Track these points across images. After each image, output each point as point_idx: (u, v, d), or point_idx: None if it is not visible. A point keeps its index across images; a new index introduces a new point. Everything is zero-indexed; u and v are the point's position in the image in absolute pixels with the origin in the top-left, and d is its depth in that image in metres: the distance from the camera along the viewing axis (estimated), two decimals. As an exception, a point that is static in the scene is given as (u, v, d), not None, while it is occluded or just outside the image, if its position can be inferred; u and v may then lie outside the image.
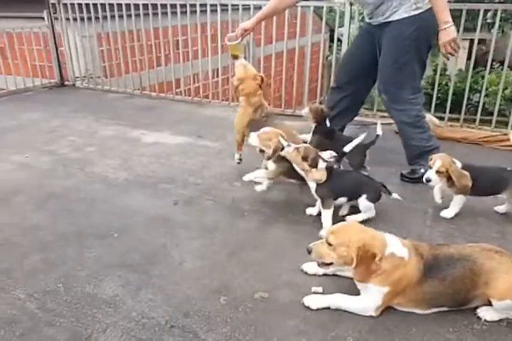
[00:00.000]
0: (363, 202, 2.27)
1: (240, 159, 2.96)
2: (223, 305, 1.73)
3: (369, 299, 1.66)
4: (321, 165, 2.23)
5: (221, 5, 4.47)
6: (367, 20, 2.81)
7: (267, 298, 1.77)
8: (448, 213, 2.37)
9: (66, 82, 5.57)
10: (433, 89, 7.39)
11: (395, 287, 1.63)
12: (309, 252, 1.65)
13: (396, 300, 1.67)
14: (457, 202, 2.36)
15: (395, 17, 2.59)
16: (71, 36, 5.35)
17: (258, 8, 4.28)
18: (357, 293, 1.72)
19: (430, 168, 2.27)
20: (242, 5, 4.42)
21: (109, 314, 1.69)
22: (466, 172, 2.23)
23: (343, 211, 2.39)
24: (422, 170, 2.67)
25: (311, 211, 2.40)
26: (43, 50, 5.44)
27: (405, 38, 2.60)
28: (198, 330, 1.61)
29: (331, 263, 1.66)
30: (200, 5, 4.57)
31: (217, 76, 4.94)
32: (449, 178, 2.24)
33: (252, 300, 1.76)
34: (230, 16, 4.52)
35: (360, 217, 2.28)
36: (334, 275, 1.88)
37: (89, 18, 5.09)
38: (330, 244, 1.61)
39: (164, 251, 2.09)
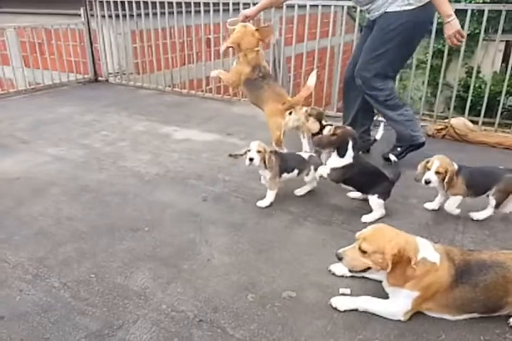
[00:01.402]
0: (372, 199, 2.34)
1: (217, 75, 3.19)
2: (251, 302, 1.75)
3: (398, 303, 1.65)
4: (350, 153, 2.30)
5: (254, 4, 4.47)
6: (367, 15, 2.96)
7: (295, 297, 1.78)
8: (452, 210, 2.33)
9: (99, 78, 5.71)
10: (465, 91, 7.27)
11: (425, 292, 1.61)
12: (339, 259, 1.64)
13: (426, 305, 1.65)
14: (452, 203, 2.32)
15: (387, 10, 2.75)
16: (106, 33, 5.47)
17: (291, 6, 4.30)
18: (385, 296, 1.71)
19: (428, 169, 2.24)
20: (275, 4, 4.42)
21: (139, 305, 1.72)
22: (454, 176, 2.24)
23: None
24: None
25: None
26: (78, 46, 5.58)
27: (391, 30, 2.75)
28: (225, 326, 1.63)
29: (365, 270, 1.65)
30: (233, 3, 4.59)
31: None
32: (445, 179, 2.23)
33: (280, 299, 1.76)
34: (263, 15, 4.52)
35: (371, 216, 2.33)
36: (362, 277, 1.87)
37: (124, 16, 5.19)
38: (364, 252, 1.59)
39: (193, 246, 2.12)
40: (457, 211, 2.34)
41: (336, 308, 1.70)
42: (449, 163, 2.24)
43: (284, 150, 2.97)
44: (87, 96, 4.98)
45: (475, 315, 1.66)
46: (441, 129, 3.67)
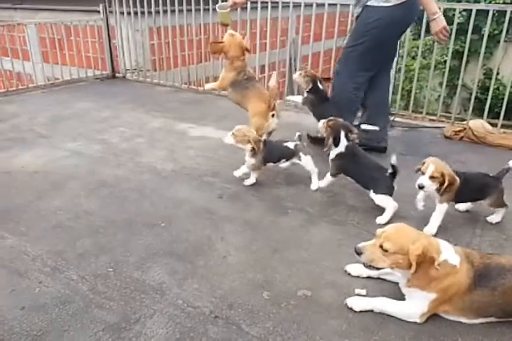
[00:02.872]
0: (374, 196, 2.36)
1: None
2: (266, 300, 1.76)
3: (415, 305, 1.64)
4: (343, 143, 2.45)
5: (272, 2, 4.48)
6: (354, 10, 3.11)
7: (310, 296, 1.78)
8: (430, 229, 2.17)
9: (117, 74, 5.75)
10: (483, 93, 7.16)
11: (442, 294, 1.60)
12: (358, 253, 1.63)
13: (442, 308, 1.64)
14: (439, 212, 2.19)
15: (367, 3, 2.91)
16: (124, 30, 5.51)
17: (309, 5, 4.29)
18: (400, 297, 1.70)
19: (423, 173, 2.13)
20: (293, 2, 4.42)
21: (156, 300, 1.74)
22: (457, 178, 2.11)
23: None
24: None
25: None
26: (96, 42, 5.64)
27: (368, 23, 2.92)
28: (241, 323, 1.64)
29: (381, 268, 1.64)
30: (252, 2, 4.59)
31: (264, 72, 4.97)
32: (441, 183, 2.10)
33: (295, 298, 1.77)
34: (281, 14, 4.52)
35: (385, 216, 2.31)
36: (378, 278, 1.87)
37: (142, 13, 5.23)
38: (385, 250, 1.57)
39: (209, 242, 2.13)
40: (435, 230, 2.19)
41: (351, 308, 1.70)
42: (444, 166, 2.11)
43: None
44: (104, 92, 5.03)
45: (492, 319, 1.65)
46: (459, 131, 3.63)
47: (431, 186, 2.11)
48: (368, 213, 2.41)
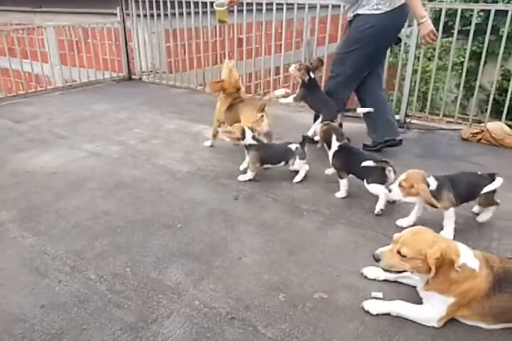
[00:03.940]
0: (367, 186, 2.45)
1: (212, 145, 3.44)
2: (282, 301, 1.76)
3: (432, 309, 1.62)
4: (335, 143, 2.62)
5: (287, 4, 4.48)
6: (347, 15, 3.17)
7: (326, 298, 1.78)
8: (447, 234, 2.14)
9: (133, 76, 5.81)
10: (500, 94, 7.05)
11: (460, 298, 1.58)
12: (376, 260, 1.62)
13: (461, 313, 1.63)
14: (448, 217, 2.17)
15: (359, 12, 3.00)
16: (140, 32, 5.57)
17: (325, 6, 4.28)
18: (418, 301, 1.69)
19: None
20: (309, 4, 4.42)
21: (173, 300, 1.76)
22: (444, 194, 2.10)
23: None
24: None
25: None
26: (113, 44, 5.71)
27: (360, 30, 3.01)
28: (257, 324, 1.65)
29: (402, 271, 1.63)
30: (267, 4, 4.61)
31: (279, 74, 4.97)
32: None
33: (311, 300, 1.77)
34: (296, 15, 4.52)
35: (378, 207, 2.38)
36: (395, 281, 1.86)
37: (158, 15, 5.28)
38: (403, 256, 1.56)
39: (224, 244, 2.14)
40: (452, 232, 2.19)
41: (368, 311, 1.70)
42: (417, 179, 2.07)
43: None
44: (121, 94, 5.09)
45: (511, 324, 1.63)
46: (477, 133, 3.58)
47: (398, 193, 2.13)
48: (385, 216, 2.39)
